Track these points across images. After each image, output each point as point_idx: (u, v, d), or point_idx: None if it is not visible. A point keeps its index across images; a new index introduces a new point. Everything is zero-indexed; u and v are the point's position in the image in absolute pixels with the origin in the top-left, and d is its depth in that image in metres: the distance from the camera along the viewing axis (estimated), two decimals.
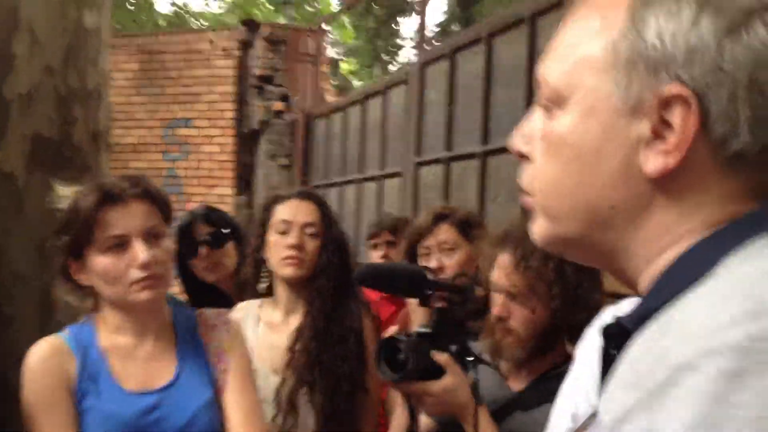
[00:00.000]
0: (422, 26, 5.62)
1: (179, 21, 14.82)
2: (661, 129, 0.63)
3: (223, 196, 7.30)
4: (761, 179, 0.64)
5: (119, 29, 11.94)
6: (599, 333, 0.71)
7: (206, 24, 15.08)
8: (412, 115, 4.93)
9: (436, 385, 1.54)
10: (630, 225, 0.67)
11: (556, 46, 0.72)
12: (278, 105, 7.36)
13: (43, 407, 1.49)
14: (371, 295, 2.82)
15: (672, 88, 0.62)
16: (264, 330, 2.15)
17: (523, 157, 0.74)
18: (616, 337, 0.66)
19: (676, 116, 0.62)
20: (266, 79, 7.44)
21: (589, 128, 0.67)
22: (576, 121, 0.68)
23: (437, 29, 12.37)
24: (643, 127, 0.64)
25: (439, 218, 2.46)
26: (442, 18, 12.81)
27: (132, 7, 13.66)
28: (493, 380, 1.72)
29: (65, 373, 1.52)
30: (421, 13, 5.66)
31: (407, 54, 14.90)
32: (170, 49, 7.77)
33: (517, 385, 1.73)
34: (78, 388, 1.52)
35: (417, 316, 2.07)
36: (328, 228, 2.17)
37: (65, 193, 1.58)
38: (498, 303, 1.68)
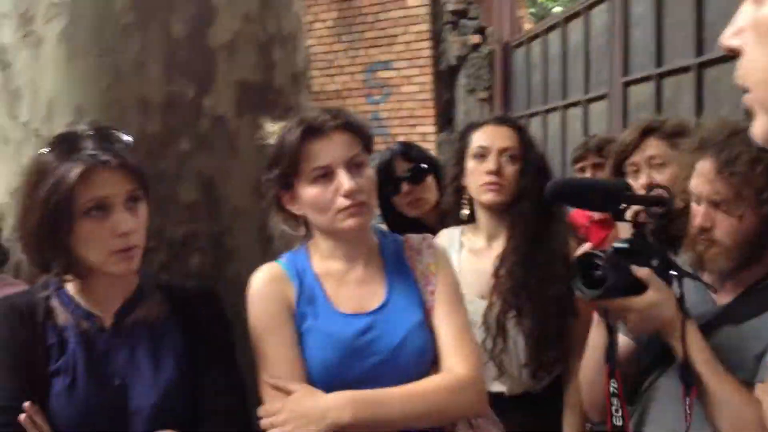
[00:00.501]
0: None
1: None
2: None
3: (426, 135, 7.38)
4: None
5: None
6: None
7: None
8: (618, 32, 4.67)
9: (640, 301, 1.47)
10: None
11: None
12: (474, 38, 7.27)
13: (268, 329, 1.58)
14: (581, 219, 2.73)
15: None
16: (467, 256, 2.15)
17: (734, 52, 0.72)
18: None
19: None
20: (461, 14, 7.36)
21: None
22: None
23: None
24: None
25: (647, 132, 2.30)
26: None
27: None
28: (698, 294, 1.61)
29: (285, 296, 1.61)
30: None
31: None
32: None
33: (723, 298, 1.61)
34: (297, 311, 1.61)
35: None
36: (526, 152, 2.12)
37: (273, 130, 1.65)
38: (700, 213, 1.57)
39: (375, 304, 1.62)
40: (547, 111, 6.23)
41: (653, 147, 2.22)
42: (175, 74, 1.89)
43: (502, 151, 2.10)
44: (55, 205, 1.40)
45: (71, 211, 1.41)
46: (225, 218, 1.91)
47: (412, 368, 1.58)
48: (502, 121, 2.19)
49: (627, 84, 4.57)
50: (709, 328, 1.54)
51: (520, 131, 2.17)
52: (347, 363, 1.56)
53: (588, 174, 3.09)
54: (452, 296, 1.67)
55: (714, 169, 1.55)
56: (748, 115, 0.75)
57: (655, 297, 1.48)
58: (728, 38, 0.72)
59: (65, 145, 1.44)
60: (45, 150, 1.46)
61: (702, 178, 1.57)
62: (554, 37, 6.09)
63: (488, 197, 2.10)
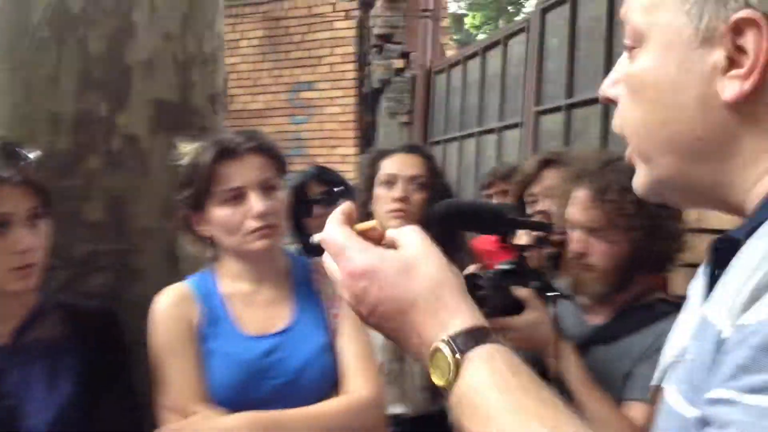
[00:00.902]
0: None
1: None
2: (735, 55, 0.64)
3: (346, 156, 7.43)
4: None
5: None
6: (707, 251, 0.71)
7: None
8: (532, 63, 4.83)
9: (518, 320, 1.54)
10: (721, 154, 0.67)
11: None
12: (398, 63, 7.38)
13: (170, 351, 1.59)
14: (486, 245, 2.81)
15: (741, 14, 0.63)
16: None
17: (612, 102, 0.75)
18: (725, 252, 0.66)
19: (748, 41, 0.63)
20: (386, 38, 7.47)
21: (666, 64, 0.68)
22: (654, 59, 0.69)
23: None
24: (718, 56, 0.65)
25: (546, 163, 2.42)
26: None
27: None
28: (574, 316, 1.71)
29: (189, 318, 1.62)
30: None
31: (532, 5, 14.52)
32: (293, 14, 7.92)
33: (598, 319, 1.71)
34: (202, 332, 1.62)
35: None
36: (434, 180, 2.18)
37: (186, 150, 1.67)
38: (576, 239, 1.66)
39: (281, 325, 1.65)
40: (464, 137, 6.36)
41: (551, 178, 2.32)
42: (89, 90, 1.88)
43: (409, 179, 2.16)
44: None
45: None
46: (132, 238, 1.90)
47: (315, 390, 1.61)
48: (410, 149, 2.25)
49: (539, 113, 4.72)
50: (582, 347, 1.63)
51: (429, 160, 2.23)
52: (251, 384, 1.58)
53: (496, 200, 3.18)
54: (356, 320, 1.70)
55: (588, 198, 1.64)
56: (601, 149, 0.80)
57: (532, 317, 1.55)
58: (605, 88, 0.76)
59: None
60: None
61: (578, 206, 1.66)
62: (474, 64, 6.24)
63: (394, 223, 2.15)
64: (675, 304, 1.70)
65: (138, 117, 1.92)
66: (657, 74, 0.69)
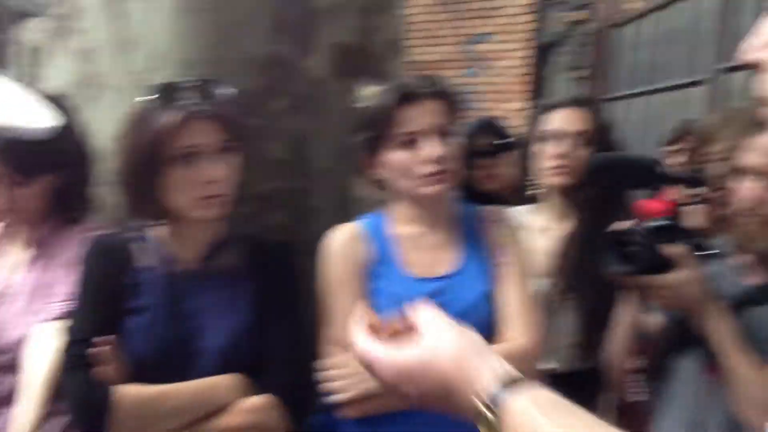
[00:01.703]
0: None
1: None
2: None
3: (517, 111, 7.31)
4: None
5: None
6: None
7: None
8: (722, 17, 4.52)
9: (667, 278, 1.49)
10: None
11: None
12: (578, 15, 7.12)
13: (338, 286, 1.64)
14: (657, 205, 2.69)
15: None
16: (537, 234, 2.16)
17: (757, 67, 0.71)
18: None
19: None
20: None
21: None
22: None
23: None
24: None
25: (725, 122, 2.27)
26: None
27: None
28: (730, 276, 1.61)
29: (359, 256, 1.67)
30: None
31: None
32: None
33: (755, 280, 1.61)
34: (371, 271, 1.68)
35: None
36: (601, 136, 2.11)
37: (366, 94, 1.71)
38: (755, 187, 1.55)
39: (446, 269, 1.67)
40: (646, 93, 6.08)
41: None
42: (279, 34, 1.95)
43: (574, 135, 2.10)
44: (151, 150, 1.47)
45: (165, 156, 1.47)
46: (310, 177, 1.98)
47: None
48: (578, 103, 2.18)
49: (726, 70, 4.43)
50: (737, 308, 1.55)
51: (596, 114, 2.16)
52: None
53: (682, 158, 3.03)
54: (519, 269, 1.70)
55: None
56: None
57: (682, 275, 1.49)
58: (753, 51, 0.72)
59: (166, 94, 1.51)
60: (146, 98, 1.52)
61: (762, 151, 1.56)
62: (660, 17, 5.92)
63: (555, 180, 2.12)
64: None
65: (322, 60, 1.99)
66: None
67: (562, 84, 7.18)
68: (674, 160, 3.05)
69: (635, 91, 6.30)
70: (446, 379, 0.78)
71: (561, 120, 2.14)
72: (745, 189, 1.59)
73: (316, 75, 1.98)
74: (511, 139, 2.74)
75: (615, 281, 1.62)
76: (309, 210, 1.98)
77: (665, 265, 1.51)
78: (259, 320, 1.57)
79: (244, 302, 1.58)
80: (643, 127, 6.01)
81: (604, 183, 2.03)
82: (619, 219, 2.04)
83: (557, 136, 2.12)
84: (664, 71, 5.70)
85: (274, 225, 1.94)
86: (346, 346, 1.58)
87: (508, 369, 0.78)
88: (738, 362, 1.51)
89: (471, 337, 0.83)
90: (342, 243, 1.69)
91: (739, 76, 4.28)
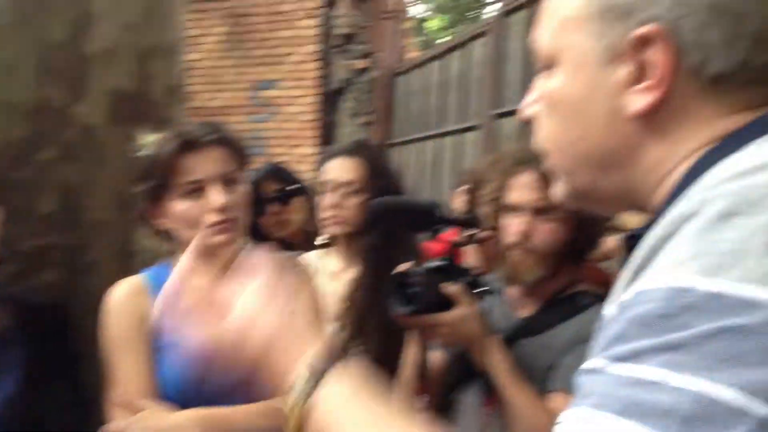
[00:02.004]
0: None
1: None
2: (641, 70, 0.66)
3: (306, 156, 7.41)
4: (751, 92, 0.66)
5: None
6: (621, 246, 0.75)
7: None
8: (492, 66, 4.86)
9: (447, 316, 1.55)
10: (630, 163, 0.70)
11: (544, 10, 0.76)
12: (361, 63, 7.39)
13: (122, 345, 1.56)
14: (436, 246, 2.81)
15: (644, 29, 0.65)
16: (327, 280, 2.16)
17: (531, 120, 0.78)
18: (632, 248, 0.68)
19: (653, 54, 0.65)
20: (349, 38, 7.46)
21: (577, 83, 0.71)
22: (565, 79, 0.72)
23: None
24: (625, 71, 0.67)
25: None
26: None
27: None
28: (503, 310, 1.73)
29: (144, 311, 1.59)
30: None
31: (494, 9, 14.63)
32: (256, 11, 7.87)
33: (525, 312, 1.73)
34: (155, 327, 1.60)
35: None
36: (374, 182, 2.13)
37: (146, 142, 1.64)
38: (519, 222, 1.67)
39: None
40: (424, 138, 6.39)
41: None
42: (48, 79, 1.85)
43: (344, 185, 2.13)
44: None
45: None
46: (85, 231, 1.87)
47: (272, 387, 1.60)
48: (350, 152, 2.20)
49: (498, 116, 4.75)
50: (510, 341, 1.65)
51: (368, 161, 2.18)
52: (204, 379, 1.56)
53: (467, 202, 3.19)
54: (311, 314, 1.70)
55: (535, 179, 1.66)
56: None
57: (460, 313, 1.56)
58: (525, 108, 0.79)
59: None
60: None
61: (524, 188, 1.68)
62: (436, 66, 6.26)
63: (330, 230, 2.16)
64: (598, 296, 1.74)
65: (95, 107, 1.90)
66: (570, 93, 0.72)
67: (349, 129, 7.38)
68: (460, 203, 3.21)
69: (416, 136, 6.61)
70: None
71: (333, 170, 2.17)
72: (512, 225, 1.69)
73: (89, 122, 1.88)
74: (300, 185, 2.75)
75: (400, 323, 1.66)
76: (86, 265, 1.87)
77: (445, 303, 1.57)
78: (32, 388, 1.47)
79: (12, 370, 1.48)
80: (423, 170, 6.31)
81: (385, 228, 2.09)
82: (402, 262, 2.10)
83: (330, 186, 2.15)
84: (441, 117, 6.03)
85: (46, 283, 1.80)
86: (132, 409, 1.51)
87: (319, 360, 0.79)
88: (515, 393, 1.58)
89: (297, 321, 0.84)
90: (124, 298, 1.60)
91: (509, 120, 4.61)
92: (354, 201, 2.13)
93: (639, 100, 0.67)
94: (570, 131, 0.73)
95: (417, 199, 1.90)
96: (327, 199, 2.14)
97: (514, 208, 1.70)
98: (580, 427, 0.54)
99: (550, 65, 0.74)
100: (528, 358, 1.65)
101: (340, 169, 2.16)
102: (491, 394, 1.60)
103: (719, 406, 0.48)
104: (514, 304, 1.74)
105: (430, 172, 6.12)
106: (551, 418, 1.56)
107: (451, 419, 1.73)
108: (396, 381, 1.84)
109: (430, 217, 1.63)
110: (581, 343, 1.63)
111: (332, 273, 2.20)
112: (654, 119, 0.67)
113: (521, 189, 1.69)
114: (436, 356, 1.74)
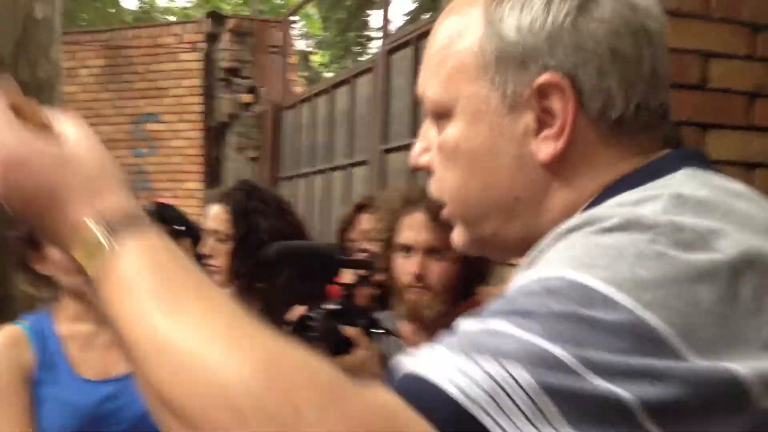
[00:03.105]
0: (386, 15, 5.62)
1: (146, 17, 14.68)
2: (544, 117, 0.66)
3: (192, 191, 7.27)
4: (649, 134, 0.68)
5: (85, 25, 11.82)
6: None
7: (173, 19, 14.96)
8: (378, 102, 4.93)
9: (348, 360, 1.56)
10: (536, 211, 0.70)
11: (429, 60, 0.73)
12: (246, 97, 7.34)
13: (0, 396, 1.49)
14: (334, 289, 2.79)
15: (543, 78, 0.65)
16: None
17: (425, 169, 0.75)
18: None
19: (554, 102, 0.65)
20: (233, 72, 7.41)
21: (478, 132, 0.69)
22: (464, 129, 0.69)
23: (407, 17, 12.37)
24: (528, 120, 0.67)
25: (360, 209, 2.49)
26: (411, 7, 12.82)
27: (99, 4, 13.51)
28: (398, 350, 1.75)
29: (22, 362, 1.52)
30: (385, 1, 5.67)
31: (378, 45, 14.87)
32: (136, 43, 7.71)
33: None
34: (36, 377, 1.52)
35: None
36: (238, 230, 2.10)
37: None
38: (415, 262, 1.70)
39: (121, 370, 1.57)
40: (312, 173, 6.39)
41: (366, 222, 2.38)
42: None
43: (212, 233, 2.12)
44: None
45: None
46: None
47: None
48: (218, 198, 2.19)
49: (386, 151, 4.82)
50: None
51: (235, 206, 2.14)
52: None
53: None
54: None
55: (426, 219, 1.70)
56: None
57: (361, 356, 1.57)
58: (416, 157, 0.76)
59: None
60: None
61: (415, 229, 1.72)
62: (322, 101, 6.30)
63: (217, 279, 2.12)
64: None
65: None
66: (471, 143, 0.69)
67: (235, 164, 7.30)
68: (350, 240, 3.20)
69: (304, 170, 6.60)
70: (70, 188, 0.63)
71: (208, 217, 2.16)
72: (405, 265, 1.72)
73: None
74: (187, 226, 2.67)
75: None
76: None
77: (344, 346, 1.57)
78: None
79: None
80: (312, 205, 6.30)
81: (285, 271, 2.07)
82: (297, 305, 2.07)
83: (208, 234, 2.13)
84: (329, 151, 6.05)
85: None
86: None
87: (140, 211, 0.65)
88: None
89: (112, 162, 0.68)
90: (2, 348, 1.52)
91: (397, 156, 4.68)
92: (224, 248, 2.09)
93: (544, 148, 0.66)
94: (475, 180, 0.71)
95: (316, 243, 1.87)
96: (205, 248, 2.12)
97: (406, 248, 1.73)
98: (420, 358, 0.54)
99: (441, 114, 0.71)
100: None
101: (211, 217, 2.15)
102: None
103: (554, 358, 0.50)
104: (408, 341, 1.76)
105: (318, 208, 6.12)
106: None
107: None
108: None
109: (330, 261, 1.64)
110: None
111: None
112: (559, 166, 0.67)
113: (412, 229, 1.73)
114: None
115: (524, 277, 0.57)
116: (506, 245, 0.74)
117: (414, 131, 4.49)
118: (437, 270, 1.70)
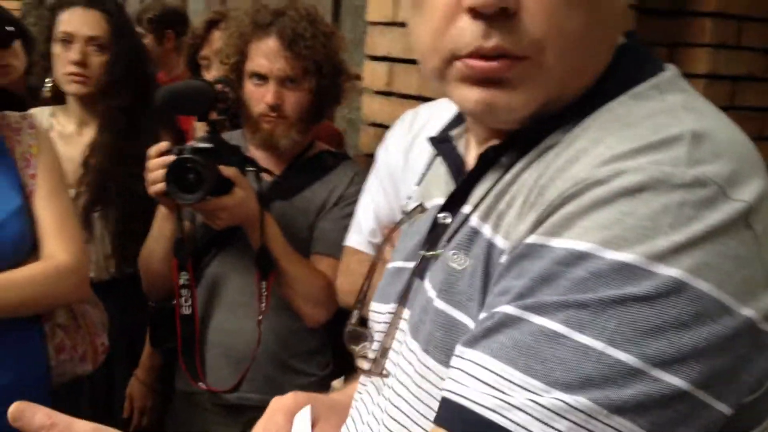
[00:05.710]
0: None
1: None
2: None
3: None
4: None
5: None
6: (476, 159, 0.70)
7: None
8: None
9: (230, 199, 1.57)
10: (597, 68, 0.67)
11: None
12: None
13: None
14: (188, 124, 2.67)
15: None
16: (56, 141, 1.90)
17: (508, 12, 0.60)
18: (488, 162, 0.68)
19: None
20: None
21: None
22: None
23: None
24: None
25: (213, 24, 2.38)
26: None
27: None
28: (251, 174, 1.72)
29: None
30: None
31: None
32: None
33: (272, 176, 1.76)
34: None
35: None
36: (117, 41, 2.01)
37: None
38: (269, 91, 1.67)
39: None
40: None
41: (218, 39, 2.27)
42: None
43: (88, 40, 1.98)
44: None
45: None
46: None
47: (10, 256, 1.51)
48: (90, 3, 2.02)
49: None
50: (264, 203, 1.67)
51: (113, 16, 2.03)
52: None
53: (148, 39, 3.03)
54: (55, 180, 1.60)
55: (279, 47, 1.65)
56: None
57: (242, 194, 1.59)
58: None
59: None
60: None
61: (269, 57, 1.67)
62: None
63: (72, 88, 2.01)
64: (338, 156, 1.85)
65: None
66: None
67: None
68: (202, 58, 2.99)
69: None
70: None
71: (73, 22, 1.99)
72: (260, 94, 1.68)
73: None
74: (20, 27, 2.44)
75: (148, 197, 1.62)
76: None
77: (224, 186, 1.56)
78: None
79: None
80: None
81: (171, 113, 1.99)
82: (146, 130, 2.00)
83: (69, 39, 1.98)
84: None
85: None
86: None
87: None
88: (291, 262, 1.66)
89: None
90: None
91: None
92: (99, 59, 1.99)
93: None
94: (598, 21, 0.63)
95: (198, 83, 1.77)
96: (67, 54, 1.96)
97: (259, 76, 1.68)
98: (475, 371, 0.55)
99: None
100: (286, 220, 1.70)
101: (83, 23, 1.98)
102: (269, 268, 1.64)
103: (620, 366, 0.51)
104: (266, 172, 1.77)
105: None
106: (324, 279, 1.68)
107: (211, 290, 1.76)
108: (143, 247, 1.80)
109: (205, 99, 1.59)
110: (333, 207, 1.73)
111: (62, 134, 2.03)
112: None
113: (265, 57, 1.67)
114: (186, 225, 1.73)
115: (554, 239, 0.56)
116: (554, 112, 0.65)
117: None
118: (292, 99, 1.68)
